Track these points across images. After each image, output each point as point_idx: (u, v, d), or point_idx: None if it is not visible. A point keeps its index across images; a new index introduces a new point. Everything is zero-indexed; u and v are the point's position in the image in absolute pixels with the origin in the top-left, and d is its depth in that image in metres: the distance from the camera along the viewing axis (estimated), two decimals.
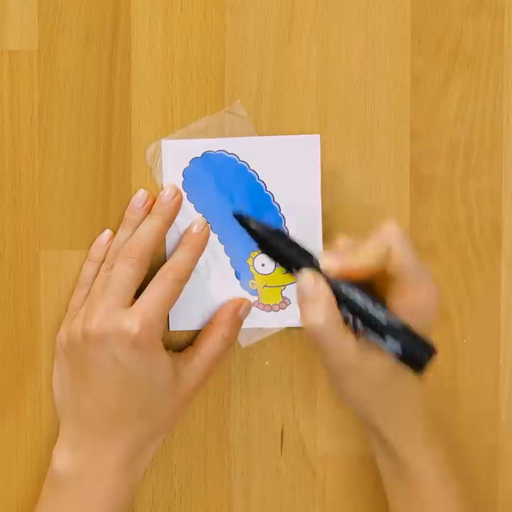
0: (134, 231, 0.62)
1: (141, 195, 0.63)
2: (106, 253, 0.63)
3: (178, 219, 0.63)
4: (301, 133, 0.63)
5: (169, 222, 0.62)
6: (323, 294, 0.54)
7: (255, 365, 0.65)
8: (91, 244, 0.63)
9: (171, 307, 0.60)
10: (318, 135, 0.63)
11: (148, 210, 0.62)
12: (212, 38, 0.63)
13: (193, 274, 0.62)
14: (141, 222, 0.62)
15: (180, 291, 0.60)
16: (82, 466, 0.60)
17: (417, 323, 0.55)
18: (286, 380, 0.65)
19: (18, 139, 0.64)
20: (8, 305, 0.64)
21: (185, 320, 0.64)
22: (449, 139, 0.64)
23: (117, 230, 0.63)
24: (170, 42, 0.63)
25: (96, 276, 0.63)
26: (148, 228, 0.61)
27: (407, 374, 0.55)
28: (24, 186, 0.64)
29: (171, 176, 0.63)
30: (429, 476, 0.58)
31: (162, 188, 0.63)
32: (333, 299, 0.54)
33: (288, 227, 0.63)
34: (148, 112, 0.63)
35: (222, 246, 0.63)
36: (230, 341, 0.63)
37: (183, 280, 0.60)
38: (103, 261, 0.63)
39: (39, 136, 0.64)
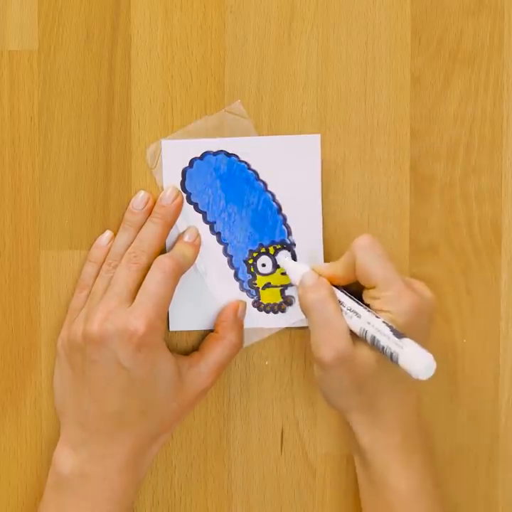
0: (134, 232, 0.62)
1: (141, 197, 0.63)
2: (106, 254, 0.63)
3: (177, 219, 0.63)
4: (301, 133, 0.63)
5: (171, 224, 0.62)
6: (324, 281, 0.59)
7: (255, 365, 0.65)
8: (91, 245, 0.63)
9: (168, 305, 0.60)
10: (319, 135, 0.63)
11: (149, 212, 0.62)
12: (212, 38, 0.63)
13: (193, 275, 0.62)
14: (141, 223, 0.62)
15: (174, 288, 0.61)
16: (86, 467, 0.59)
17: (397, 325, 0.55)
18: (286, 380, 0.65)
19: (18, 139, 0.64)
20: (8, 305, 0.64)
21: (185, 320, 0.64)
22: (449, 139, 0.64)
23: (117, 230, 0.63)
24: (170, 42, 0.63)
25: (96, 276, 0.63)
26: (152, 235, 0.61)
27: (394, 373, 0.55)
28: (24, 186, 0.64)
29: (171, 176, 0.63)
30: (402, 487, 0.58)
31: (162, 189, 0.63)
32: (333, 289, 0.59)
33: (289, 226, 0.63)
34: (148, 112, 0.63)
35: (222, 246, 0.63)
36: (239, 347, 0.63)
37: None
38: (103, 262, 0.63)
39: (39, 136, 0.64)
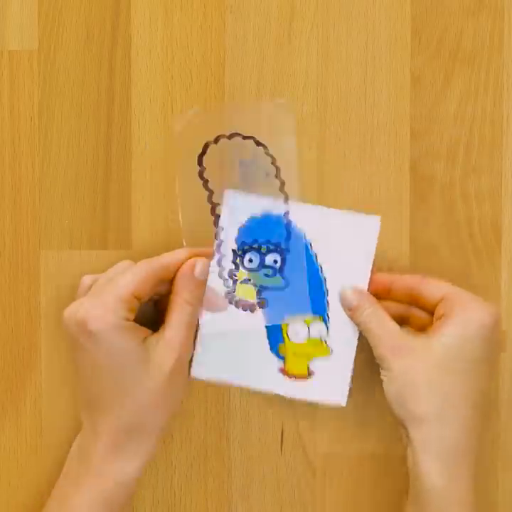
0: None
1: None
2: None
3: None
4: (301, 134, 0.63)
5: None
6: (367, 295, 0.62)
7: None
8: (91, 245, 0.63)
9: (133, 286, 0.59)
10: (378, 217, 0.62)
11: None
12: (212, 38, 0.63)
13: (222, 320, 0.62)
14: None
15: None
16: (72, 457, 0.60)
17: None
18: None
19: (18, 139, 0.64)
20: (8, 305, 0.64)
21: (208, 367, 0.62)
22: (449, 139, 0.64)
23: (117, 229, 0.63)
24: (170, 42, 0.63)
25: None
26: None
27: (455, 369, 0.58)
28: (24, 186, 0.64)
29: (228, 226, 0.62)
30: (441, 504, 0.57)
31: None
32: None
33: (330, 302, 0.62)
34: (148, 112, 0.63)
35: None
36: (194, 305, 0.60)
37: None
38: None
39: (39, 136, 0.64)
